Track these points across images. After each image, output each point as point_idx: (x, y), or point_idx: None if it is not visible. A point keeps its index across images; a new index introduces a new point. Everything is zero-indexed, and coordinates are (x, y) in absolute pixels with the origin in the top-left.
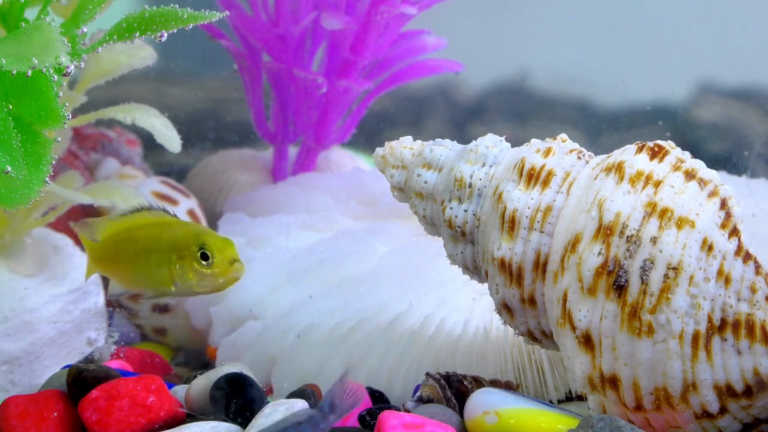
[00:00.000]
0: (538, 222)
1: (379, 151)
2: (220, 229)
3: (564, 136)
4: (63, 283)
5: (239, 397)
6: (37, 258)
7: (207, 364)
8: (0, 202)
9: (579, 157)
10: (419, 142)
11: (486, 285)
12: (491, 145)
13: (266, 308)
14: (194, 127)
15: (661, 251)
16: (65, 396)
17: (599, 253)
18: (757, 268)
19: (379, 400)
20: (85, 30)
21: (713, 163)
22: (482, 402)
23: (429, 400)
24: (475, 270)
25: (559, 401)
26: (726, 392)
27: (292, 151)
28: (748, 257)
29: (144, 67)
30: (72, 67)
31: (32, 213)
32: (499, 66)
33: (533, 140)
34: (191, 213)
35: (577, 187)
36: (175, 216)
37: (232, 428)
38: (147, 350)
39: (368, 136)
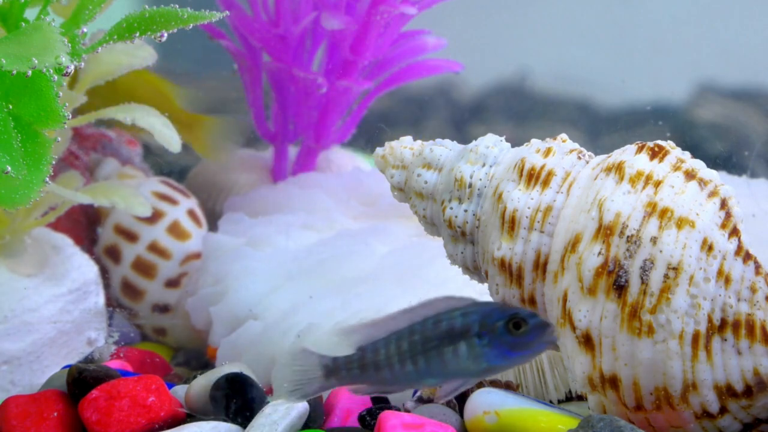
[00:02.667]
0: (538, 222)
1: (379, 151)
2: (220, 229)
3: (564, 136)
4: (63, 283)
5: (239, 397)
6: (37, 258)
7: (207, 364)
8: (0, 202)
9: (579, 157)
10: (419, 142)
11: (486, 285)
12: (491, 145)
13: (266, 308)
14: None
15: (661, 251)
16: (65, 396)
17: (599, 253)
18: (757, 268)
19: (379, 400)
20: (85, 30)
21: (713, 163)
22: (482, 402)
23: (429, 400)
24: (475, 270)
25: (559, 401)
26: (726, 392)
27: (292, 151)
28: (748, 257)
29: (144, 67)
30: (72, 67)
31: (32, 213)
32: (499, 66)
33: (533, 140)
34: (191, 213)
35: (577, 187)
36: None
37: (232, 428)
38: (147, 350)
39: (368, 137)
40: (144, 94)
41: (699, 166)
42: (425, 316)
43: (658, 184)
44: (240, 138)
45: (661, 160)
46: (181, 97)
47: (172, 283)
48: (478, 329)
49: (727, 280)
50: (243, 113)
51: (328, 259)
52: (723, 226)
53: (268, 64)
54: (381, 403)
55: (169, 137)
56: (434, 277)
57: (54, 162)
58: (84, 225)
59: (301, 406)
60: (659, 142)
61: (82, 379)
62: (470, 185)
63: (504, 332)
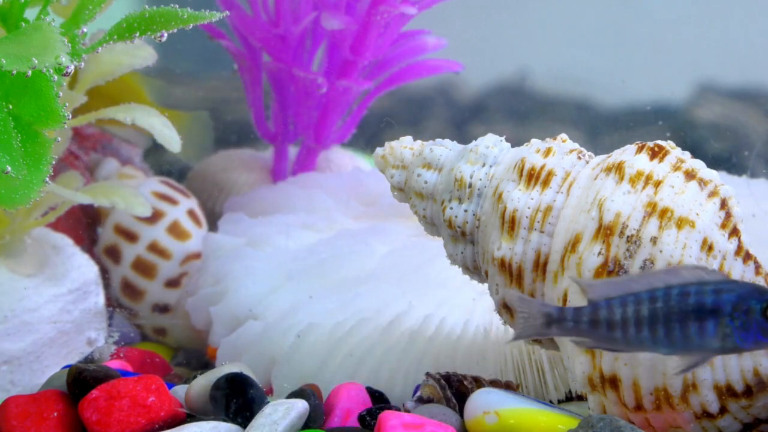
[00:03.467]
0: (538, 222)
1: (379, 151)
2: (220, 229)
3: (564, 136)
4: (63, 283)
5: (239, 397)
6: (37, 258)
7: (207, 364)
8: (0, 202)
9: (579, 157)
10: (419, 142)
11: (486, 285)
12: (491, 145)
13: (266, 308)
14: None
15: (661, 251)
16: (65, 396)
17: (599, 253)
18: (757, 268)
19: (379, 400)
20: (85, 30)
21: (713, 163)
22: (482, 402)
23: (429, 400)
24: (475, 270)
25: (559, 401)
26: (726, 392)
27: (292, 151)
28: (748, 257)
29: (144, 67)
30: (72, 67)
31: (32, 213)
32: (499, 66)
33: (533, 140)
34: (191, 213)
35: (577, 187)
36: None
37: (232, 428)
38: (147, 350)
39: (368, 137)
40: (112, 88)
41: (699, 166)
42: (668, 282)
43: (658, 184)
44: (210, 133)
45: (661, 160)
46: (152, 90)
47: (172, 283)
48: (731, 310)
49: None
50: (243, 113)
51: (328, 259)
52: (723, 226)
53: (268, 64)
54: (381, 403)
55: (169, 137)
56: (434, 277)
57: (54, 162)
58: (84, 225)
59: (301, 406)
60: (659, 142)
61: (82, 379)
62: (470, 185)
63: (761, 317)
